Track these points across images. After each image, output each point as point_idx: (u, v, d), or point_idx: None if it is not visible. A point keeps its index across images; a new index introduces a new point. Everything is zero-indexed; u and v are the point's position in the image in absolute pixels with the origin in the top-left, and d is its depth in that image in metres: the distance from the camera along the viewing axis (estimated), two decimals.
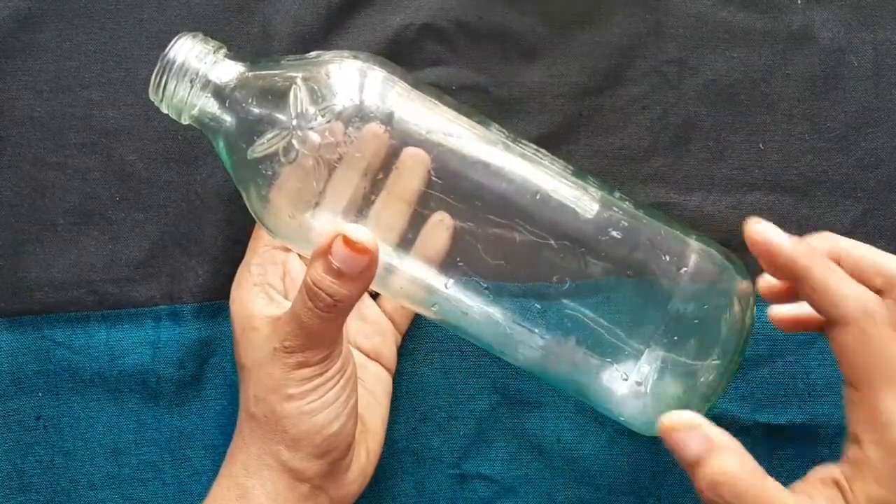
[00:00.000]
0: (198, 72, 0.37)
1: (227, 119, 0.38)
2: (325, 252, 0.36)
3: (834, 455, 0.45)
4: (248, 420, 0.41)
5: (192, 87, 0.37)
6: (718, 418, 0.44)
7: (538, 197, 0.38)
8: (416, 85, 0.39)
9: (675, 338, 0.38)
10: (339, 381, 0.40)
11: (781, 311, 0.40)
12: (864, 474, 0.34)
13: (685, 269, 0.38)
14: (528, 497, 0.46)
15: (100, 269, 0.46)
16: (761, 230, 0.36)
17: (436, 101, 0.39)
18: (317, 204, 0.37)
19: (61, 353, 0.46)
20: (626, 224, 0.39)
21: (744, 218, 0.46)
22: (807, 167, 0.47)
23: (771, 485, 0.35)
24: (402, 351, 0.46)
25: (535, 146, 0.40)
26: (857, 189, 0.46)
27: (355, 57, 0.38)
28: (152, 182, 0.46)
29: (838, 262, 0.36)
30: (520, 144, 0.40)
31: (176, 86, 0.37)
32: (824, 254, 0.36)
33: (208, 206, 0.46)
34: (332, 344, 0.39)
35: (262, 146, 0.37)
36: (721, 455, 0.34)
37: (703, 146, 0.47)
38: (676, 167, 0.47)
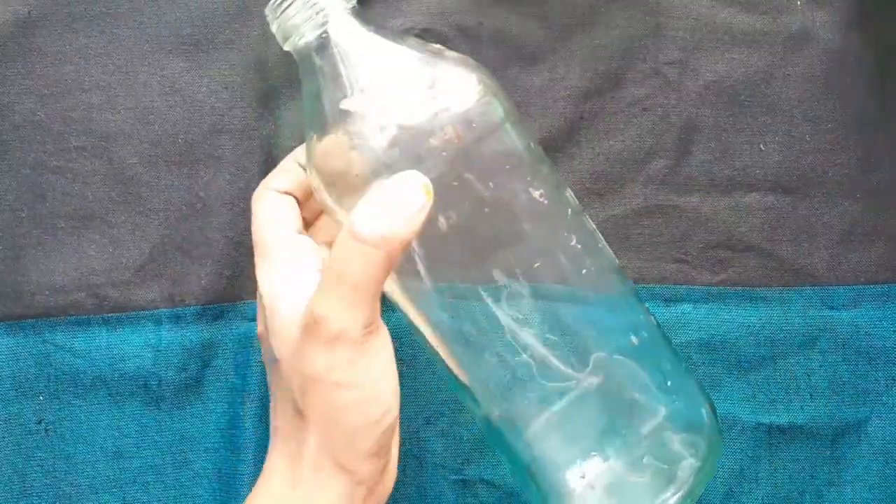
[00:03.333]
0: (323, 9, 0.37)
1: (327, 65, 0.38)
2: (378, 188, 0.34)
3: (835, 456, 0.45)
4: (295, 420, 0.36)
5: (311, 20, 0.37)
6: (720, 419, 0.45)
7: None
8: (522, 121, 0.39)
9: (639, 460, 0.38)
10: (388, 359, 0.35)
11: None
12: None
13: (666, 410, 0.38)
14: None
15: (101, 273, 0.46)
16: None
17: (532, 142, 0.39)
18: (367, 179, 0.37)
19: (62, 357, 0.46)
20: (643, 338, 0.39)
21: (743, 218, 0.46)
22: (807, 168, 0.47)
23: None
24: (403, 357, 0.46)
25: (593, 224, 0.40)
26: (856, 190, 0.46)
27: (476, 68, 0.38)
28: (153, 185, 0.46)
29: None
30: (586, 218, 0.40)
31: (297, 13, 0.37)
32: None
33: (209, 208, 0.46)
34: (372, 307, 0.34)
35: (353, 102, 0.37)
36: None
37: (704, 147, 0.47)
38: (677, 168, 0.47)
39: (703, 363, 0.45)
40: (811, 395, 0.45)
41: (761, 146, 0.47)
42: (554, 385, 0.38)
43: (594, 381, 0.38)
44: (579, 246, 0.38)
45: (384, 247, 0.34)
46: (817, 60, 0.47)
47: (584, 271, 0.38)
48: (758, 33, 0.47)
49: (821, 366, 0.46)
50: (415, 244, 0.37)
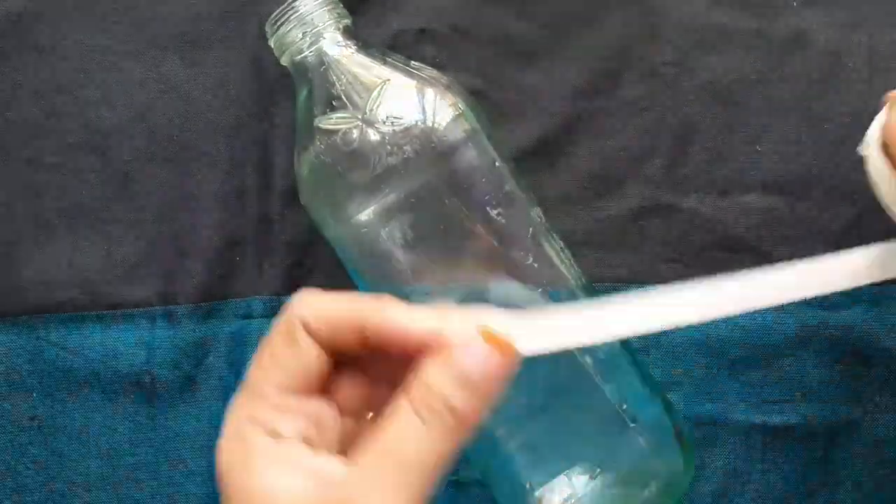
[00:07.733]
0: (313, 29, 0.40)
1: (317, 81, 0.40)
2: (446, 354, 0.28)
3: (828, 457, 0.46)
4: None
5: (302, 38, 0.40)
6: (713, 419, 0.45)
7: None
8: (489, 139, 0.41)
9: (605, 482, 0.39)
10: None
11: None
12: None
13: (635, 425, 0.39)
14: None
15: (94, 270, 0.46)
16: None
17: (497, 161, 0.41)
18: (346, 196, 0.39)
19: (56, 354, 0.46)
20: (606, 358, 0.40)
21: (740, 219, 0.46)
22: (803, 169, 0.47)
23: None
24: None
25: (561, 244, 0.42)
26: (852, 191, 0.46)
27: (448, 87, 0.40)
28: (147, 182, 0.46)
29: None
30: (551, 238, 0.41)
31: (291, 30, 0.40)
32: None
33: (203, 206, 0.46)
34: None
35: (329, 121, 0.39)
36: None
37: (700, 148, 0.47)
38: (674, 169, 0.46)
39: (697, 363, 0.45)
40: (804, 396, 0.45)
41: (758, 147, 0.47)
42: (517, 405, 0.39)
43: (549, 404, 0.39)
44: (536, 265, 0.40)
45: (462, 431, 0.29)
46: (813, 61, 0.47)
47: (539, 290, 0.39)
48: (753, 34, 0.47)
49: (814, 366, 0.46)
50: (372, 259, 0.39)
